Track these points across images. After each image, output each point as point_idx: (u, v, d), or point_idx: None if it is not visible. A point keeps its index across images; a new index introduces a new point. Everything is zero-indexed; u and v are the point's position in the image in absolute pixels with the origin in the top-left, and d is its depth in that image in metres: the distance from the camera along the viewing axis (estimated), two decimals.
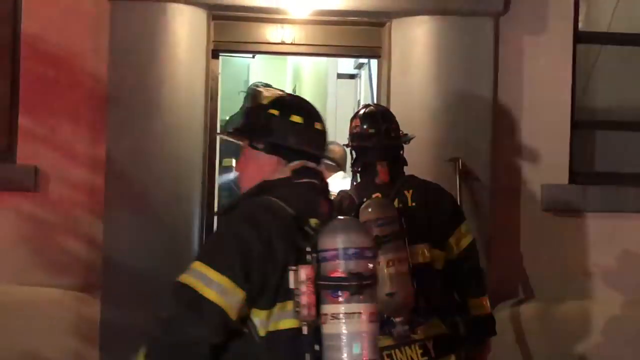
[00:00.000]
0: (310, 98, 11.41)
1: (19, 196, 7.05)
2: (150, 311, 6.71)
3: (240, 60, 13.64)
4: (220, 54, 7.60)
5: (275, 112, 3.40)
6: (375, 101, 8.10)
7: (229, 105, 12.58)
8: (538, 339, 7.14)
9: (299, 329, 3.11)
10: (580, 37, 7.50)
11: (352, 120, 5.21)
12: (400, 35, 7.20)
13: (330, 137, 10.48)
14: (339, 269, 3.10)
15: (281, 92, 3.84)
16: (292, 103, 3.54)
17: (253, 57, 12.24)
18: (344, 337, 3.07)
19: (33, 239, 7.03)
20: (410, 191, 4.97)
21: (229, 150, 12.04)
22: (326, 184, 3.41)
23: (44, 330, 6.96)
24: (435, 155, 6.92)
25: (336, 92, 10.79)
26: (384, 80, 7.37)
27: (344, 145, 5.26)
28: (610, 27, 7.64)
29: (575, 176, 7.40)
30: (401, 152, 5.13)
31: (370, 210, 4.35)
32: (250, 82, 13.60)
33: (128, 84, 6.96)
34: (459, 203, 6.19)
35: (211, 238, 3.23)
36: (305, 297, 3.07)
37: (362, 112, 5.21)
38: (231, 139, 3.62)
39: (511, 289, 7.25)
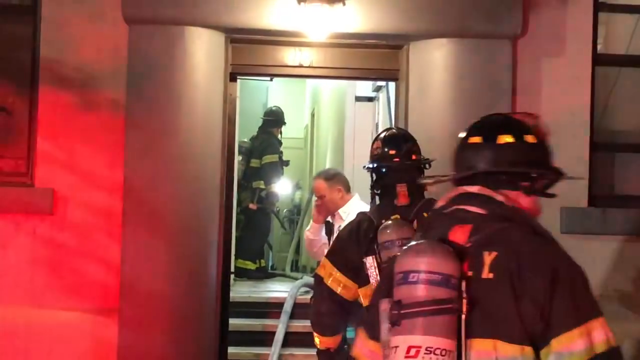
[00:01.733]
0: (328, 121, 11.54)
1: (36, 219, 7.06)
2: (168, 334, 6.74)
3: (259, 83, 13.72)
4: (238, 76, 7.63)
5: None
6: (393, 124, 8.07)
7: (248, 128, 12.68)
8: None
9: None
10: (598, 59, 7.46)
11: (373, 142, 5.25)
12: (418, 58, 7.20)
13: (347, 158, 10.48)
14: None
15: None
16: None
17: (271, 79, 12.33)
18: None
19: (50, 261, 7.03)
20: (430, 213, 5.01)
21: (258, 175, 12.14)
22: (480, 210, 3.00)
23: (61, 354, 6.96)
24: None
25: (354, 115, 10.81)
26: (402, 103, 7.36)
27: (364, 167, 5.24)
28: (628, 50, 7.60)
29: (594, 199, 7.36)
30: (421, 175, 5.11)
31: (389, 231, 4.47)
32: (269, 105, 13.67)
33: (146, 107, 6.97)
34: None
35: None
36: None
37: (383, 134, 5.25)
38: None
39: None
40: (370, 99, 10.73)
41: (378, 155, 5.08)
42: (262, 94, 14.94)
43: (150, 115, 6.95)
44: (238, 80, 7.63)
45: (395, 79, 7.59)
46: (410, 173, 5.01)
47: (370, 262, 4.64)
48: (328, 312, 4.97)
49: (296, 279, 10.52)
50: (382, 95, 10.04)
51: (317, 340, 5.08)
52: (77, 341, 6.97)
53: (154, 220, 6.90)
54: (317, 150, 13.72)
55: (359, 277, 4.81)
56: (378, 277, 4.50)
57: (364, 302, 4.79)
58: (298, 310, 8.72)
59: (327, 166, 11.57)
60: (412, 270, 2.76)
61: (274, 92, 14.93)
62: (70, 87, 7.10)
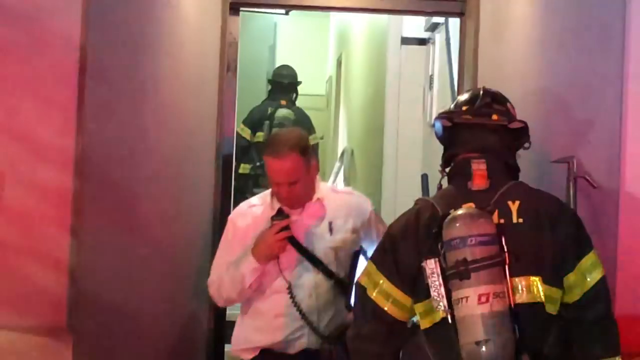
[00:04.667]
0: (362, 71, 9.91)
1: None
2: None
3: (265, 19, 11.42)
4: (241, 8, 6.42)
5: None
6: (454, 75, 6.96)
7: (250, 78, 10.45)
8: None
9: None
10: None
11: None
12: None
13: (389, 124, 8.73)
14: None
15: None
16: None
17: (286, 13, 10.30)
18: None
19: None
20: (517, 203, 4.28)
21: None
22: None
23: None
24: (540, 152, 5.29)
25: (399, 64, 8.88)
26: (469, 48, 6.21)
27: (432, 125, 4.44)
28: None
29: None
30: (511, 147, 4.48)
31: (458, 224, 3.99)
32: (278, 47, 11.34)
33: (111, 52, 5.19)
34: None
35: None
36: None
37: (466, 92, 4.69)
38: None
39: None
40: (422, 42, 8.99)
41: (446, 111, 4.47)
42: (269, 33, 12.52)
43: (117, 63, 5.19)
44: (240, 14, 6.26)
45: (459, 14, 6.34)
46: (492, 142, 4.33)
47: (431, 267, 4.06)
48: (372, 335, 4.24)
49: None
50: (438, 37, 8.37)
51: None
52: None
53: (119, 206, 5.20)
54: (345, 112, 11.26)
55: (416, 288, 4.18)
56: (442, 289, 4.03)
57: (422, 322, 4.20)
58: None
59: (359, 138, 9.52)
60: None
61: (285, 31, 12.43)
62: (10, 24, 5.26)
